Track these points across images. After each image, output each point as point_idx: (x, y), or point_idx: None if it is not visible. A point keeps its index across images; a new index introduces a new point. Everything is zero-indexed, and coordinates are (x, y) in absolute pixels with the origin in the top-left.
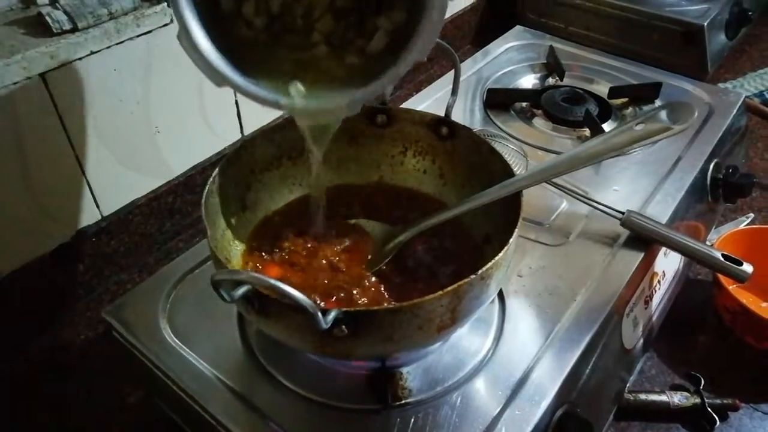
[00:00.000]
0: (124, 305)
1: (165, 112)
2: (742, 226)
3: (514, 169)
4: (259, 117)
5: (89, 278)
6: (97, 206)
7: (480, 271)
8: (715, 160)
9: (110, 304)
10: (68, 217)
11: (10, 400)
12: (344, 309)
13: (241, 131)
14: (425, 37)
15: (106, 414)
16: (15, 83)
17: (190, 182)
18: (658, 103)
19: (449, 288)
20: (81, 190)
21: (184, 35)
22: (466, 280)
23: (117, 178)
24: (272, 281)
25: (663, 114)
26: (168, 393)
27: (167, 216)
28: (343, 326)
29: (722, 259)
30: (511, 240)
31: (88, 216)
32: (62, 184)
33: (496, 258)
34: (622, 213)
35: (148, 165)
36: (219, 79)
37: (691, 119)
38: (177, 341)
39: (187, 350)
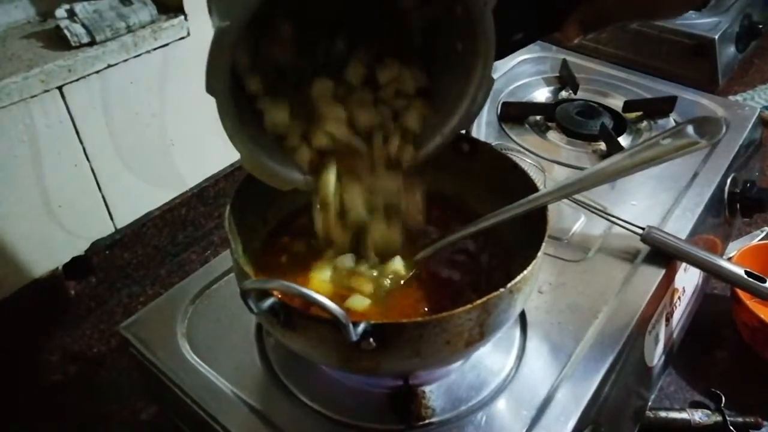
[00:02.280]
0: (142, 321)
1: (180, 124)
2: (756, 240)
3: None
4: None
5: (102, 291)
6: (111, 218)
7: (509, 285)
8: (732, 175)
9: (122, 316)
10: (82, 229)
11: (21, 413)
12: (373, 322)
13: None
14: (472, 109)
15: (119, 430)
16: (33, 96)
17: (204, 194)
18: (672, 116)
19: (478, 302)
20: (96, 202)
21: (248, 160)
22: (495, 293)
23: (131, 190)
24: (305, 290)
25: (690, 129)
26: (186, 410)
27: (180, 228)
28: (371, 339)
29: (745, 276)
30: (538, 254)
31: (102, 228)
32: (78, 196)
33: (525, 272)
34: (642, 228)
35: (162, 177)
36: (287, 185)
37: (719, 134)
38: (196, 358)
39: (206, 367)
